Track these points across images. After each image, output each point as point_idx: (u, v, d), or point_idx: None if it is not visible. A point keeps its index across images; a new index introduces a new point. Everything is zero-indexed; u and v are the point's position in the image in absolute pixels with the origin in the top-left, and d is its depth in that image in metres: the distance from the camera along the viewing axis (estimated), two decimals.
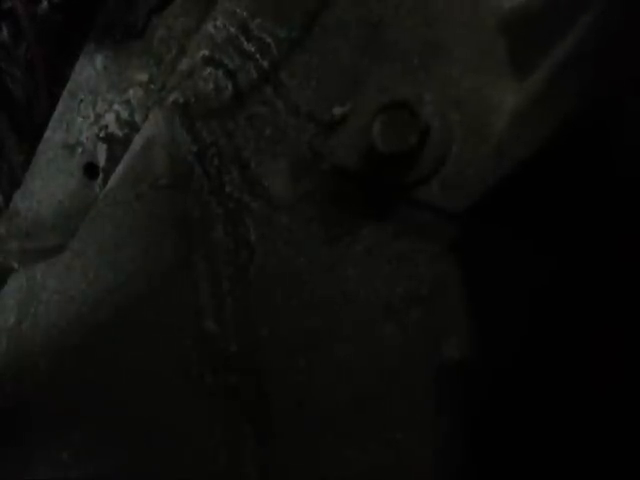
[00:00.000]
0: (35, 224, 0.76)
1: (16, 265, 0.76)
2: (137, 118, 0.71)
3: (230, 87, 0.61)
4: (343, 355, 0.51)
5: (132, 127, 0.71)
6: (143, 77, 0.72)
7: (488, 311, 0.47)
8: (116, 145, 0.72)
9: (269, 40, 0.60)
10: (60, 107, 0.77)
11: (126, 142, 0.70)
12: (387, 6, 0.54)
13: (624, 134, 0.42)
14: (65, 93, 0.77)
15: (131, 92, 0.72)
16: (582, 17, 0.42)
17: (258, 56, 0.60)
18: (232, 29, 0.62)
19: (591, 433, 0.44)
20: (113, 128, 0.73)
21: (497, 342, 0.47)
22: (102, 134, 0.74)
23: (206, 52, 0.63)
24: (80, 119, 0.75)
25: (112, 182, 0.67)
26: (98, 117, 0.74)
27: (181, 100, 0.63)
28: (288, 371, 0.53)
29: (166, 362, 0.60)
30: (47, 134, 0.77)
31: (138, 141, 0.66)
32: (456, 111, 0.49)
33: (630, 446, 0.42)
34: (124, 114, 0.72)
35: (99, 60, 0.75)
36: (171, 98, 0.64)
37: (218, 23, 0.63)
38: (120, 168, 0.67)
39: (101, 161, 0.73)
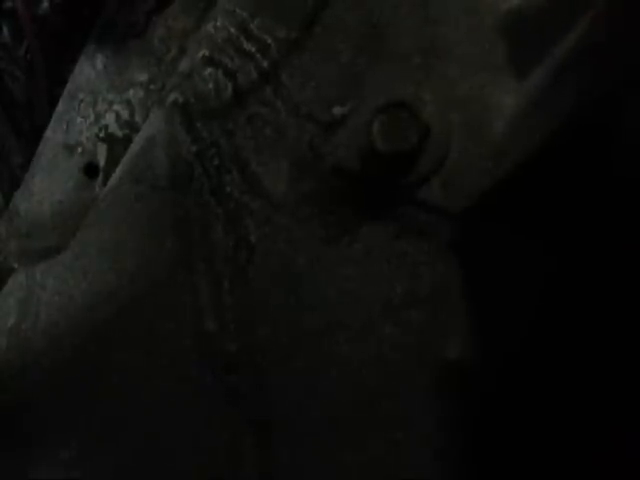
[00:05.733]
0: (35, 224, 0.76)
1: (16, 265, 0.76)
2: (137, 118, 0.71)
3: (230, 87, 0.61)
4: (343, 355, 0.51)
5: (132, 127, 0.71)
6: (143, 77, 0.72)
7: (488, 311, 0.47)
8: (116, 145, 0.72)
9: (269, 40, 0.60)
10: (60, 107, 0.77)
11: (126, 142, 0.70)
12: (387, 6, 0.54)
13: (624, 133, 0.42)
14: (65, 93, 0.77)
15: (131, 92, 0.72)
16: (581, 17, 0.42)
17: (258, 56, 0.60)
18: (232, 29, 0.62)
19: (591, 433, 0.44)
20: (113, 128, 0.73)
21: (498, 342, 0.47)
22: (102, 134, 0.74)
23: (206, 52, 0.63)
24: (80, 119, 0.75)
25: (112, 182, 0.67)
26: (98, 117, 0.74)
27: (181, 100, 0.63)
28: (288, 371, 0.53)
29: (166, 362, 0.60)
30: (47, 134, 0.77)
31: (138, 141, 0.66)
32: (456, 111, 0.49)
33: (630, 446, 0.42)
34: (124, 114, 0.72)
35: (99, 60, 0.75)
36: (171, 98, 0.64)
37: (218, 23, 0.63)
38: (120, 168, 0.67)
39: (101, 161, 0.73)
